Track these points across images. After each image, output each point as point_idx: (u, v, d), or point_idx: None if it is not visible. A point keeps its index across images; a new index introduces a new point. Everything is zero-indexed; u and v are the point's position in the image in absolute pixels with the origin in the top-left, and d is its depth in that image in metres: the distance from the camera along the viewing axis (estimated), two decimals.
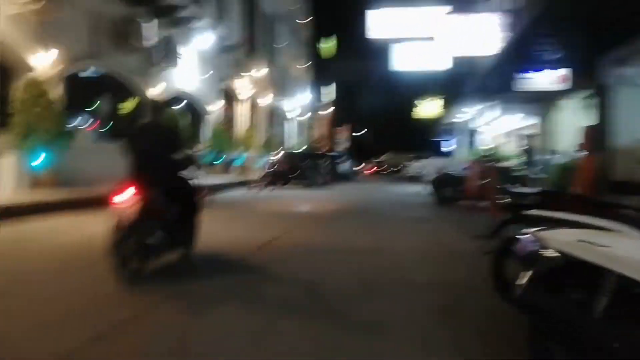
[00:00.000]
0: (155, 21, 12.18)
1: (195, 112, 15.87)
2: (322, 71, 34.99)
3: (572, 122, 12.31)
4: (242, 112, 19.28)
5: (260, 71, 20.29)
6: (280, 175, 15.41)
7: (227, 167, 16.74)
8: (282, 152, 18.43)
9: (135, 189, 3.57)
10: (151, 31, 11.94)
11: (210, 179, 13.84)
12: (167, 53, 12.90)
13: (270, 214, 8.34)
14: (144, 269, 3.67)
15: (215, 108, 16.55)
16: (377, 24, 17.16)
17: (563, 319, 1.90)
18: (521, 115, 15.60)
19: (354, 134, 45.87)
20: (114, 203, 3.56)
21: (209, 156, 15.52)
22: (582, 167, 9.52)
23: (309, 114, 31.78)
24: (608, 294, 1.81)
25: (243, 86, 18.91)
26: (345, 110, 40.24)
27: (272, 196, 12.17)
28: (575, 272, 1.98)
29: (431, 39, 15.51)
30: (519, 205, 3.26)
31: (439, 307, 3.29)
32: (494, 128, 19.86)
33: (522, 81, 11.41)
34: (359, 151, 33.71)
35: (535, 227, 2.39)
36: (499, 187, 7.23)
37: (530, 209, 2.77)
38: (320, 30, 34.43)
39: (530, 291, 2.07)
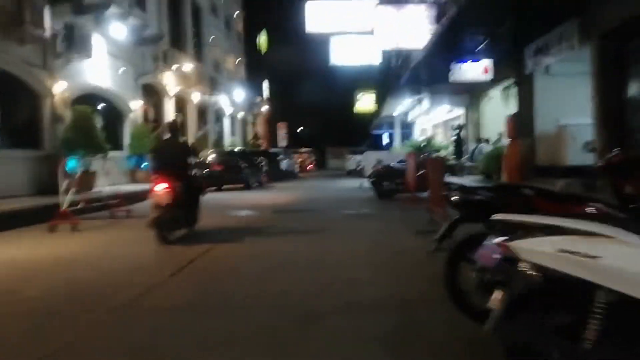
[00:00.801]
0: (57, 7, 10.76)
1: (113, 110, 14.47)
2: (257, 66, 34.04)
3: (498, 111, 12.69)
4: (169, 110, 17.99)
5: (188, 65, 19.07)
6: (214, 178, 14.32)
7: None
8: (216, 152, 17.32)
9: (166, 183, 5.49)
10: (52, 17, 10.49)
11: (127, 187, 12.48)
12: (73, 43, 11.45)
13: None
14: (169, 238, 5.50)
15: (136, 106, 15.21)
16: (316, 16, 16.69)
17: (547, 351, 1.62)
18: (449, 106, 15.94)
19: (298, 129, 45.44)
20: (154, 191, 5.52)
21: (130, 161, 14.15)
22: (507, 154, 9.75)
23: (246, 110, 30.77)
24: (599, 316, 1.50)
25: (168, 82, 17.63)
26: (284, 106, 39.65)
27: (204, 202, 11.02)
28: (558, 289, 1.67)
29: (370, 32, 15.30)
30: (471, 201, 2.93)
31: (393, 324, 2.92)
32: (427, 120, 20.26)
33: (449, 73, 11.52)
34: (299, 147, 33.27)
35: (493, 229, 2.10)
36: (443, 179, 7.07)
37: (483, 206, 2.56)
38: (254, 24, 33.41)
39: (507, 320, 1.77)
